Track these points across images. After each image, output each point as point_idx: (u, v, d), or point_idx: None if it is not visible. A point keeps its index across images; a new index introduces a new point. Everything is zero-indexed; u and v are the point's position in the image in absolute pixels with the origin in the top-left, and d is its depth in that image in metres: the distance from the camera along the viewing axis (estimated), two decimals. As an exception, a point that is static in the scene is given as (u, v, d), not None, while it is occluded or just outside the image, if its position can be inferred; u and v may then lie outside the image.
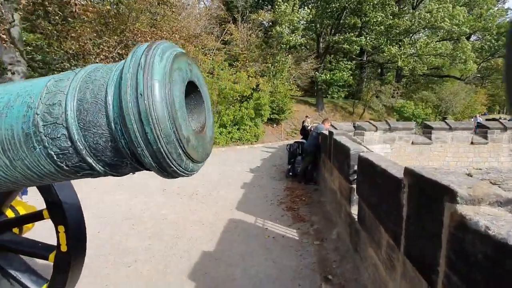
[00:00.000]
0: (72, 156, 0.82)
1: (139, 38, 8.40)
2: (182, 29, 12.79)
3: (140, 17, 12.23)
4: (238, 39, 17.53)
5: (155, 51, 0.78)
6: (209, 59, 15.66)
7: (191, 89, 1.00)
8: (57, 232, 1.97)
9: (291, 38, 18.07)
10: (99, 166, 0.84)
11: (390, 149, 11.12)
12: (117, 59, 8.27)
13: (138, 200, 6.16)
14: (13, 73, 8.91)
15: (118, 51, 8.19)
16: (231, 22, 18.20)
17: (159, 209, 5.64)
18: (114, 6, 11.50)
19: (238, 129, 14.90)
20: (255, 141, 15.47)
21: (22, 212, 2.35)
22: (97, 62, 8.30)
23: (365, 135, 12.54)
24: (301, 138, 9.96)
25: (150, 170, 0.84)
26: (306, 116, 12.18)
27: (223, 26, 18.40)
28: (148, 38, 8.83)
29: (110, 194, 6.48)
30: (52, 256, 2.01)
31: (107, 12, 9.48)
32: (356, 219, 3.51)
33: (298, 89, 20.15)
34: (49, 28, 7.19)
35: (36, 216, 2.15)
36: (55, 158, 0.82)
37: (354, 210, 3.75)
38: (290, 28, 18.38)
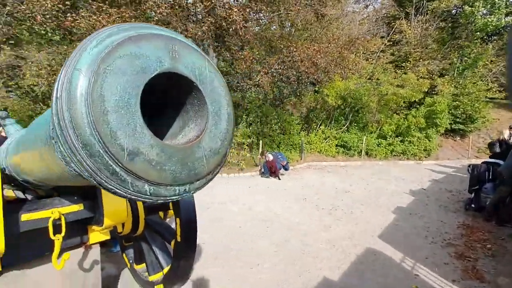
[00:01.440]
0: (68, 162, 0.81)
1: (296, 53, 8.95)
2: (341, 37, 12.49)
3: (302, 34, 13.11)
4: (411, 35, 15.00)
5: (96, 36, 0.62)
6: (371, 63, 14.36)
7: (189, 86, 0.78)
8: (176, 223, 2.27)
9: (490, 20, 13.33)
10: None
11: None
12: (274, 74, 9.26)
13: (276, 203, 6.45)
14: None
15: (276, 66, 9.12)
16: (402, 18, 15.89)
17: (294, 217, 5.63)
18: (287, 29, 12.95)
19: (401, 141, 12.64)
20: (425, 157, 12.54)
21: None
22: (258, 79, 9.67)
23: None
24: (496, 158, 6.98)
25: None
26: (511, 127, 8.45)
27: (392, 24, 16.37)
28: (301, 52, 9.22)
29: (251, 194, 7.20)
30: (173, 243, 2.34)
31: (273, 36, 10.77)
32: None
33: (501, 90, 14.53)
34: (228, 55, 9.14)
35: (165, 206, 2.62)
36: (63, 163, 0.85)
37: None
38: (487, 8, 13.61)
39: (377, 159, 12.20)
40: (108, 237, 2.40)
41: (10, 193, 2.77)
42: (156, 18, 7.67)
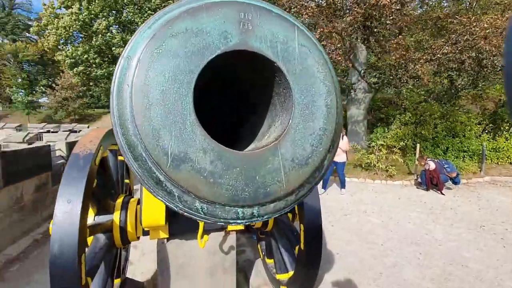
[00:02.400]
0: None
1: (477, 28, 6.59)
2: None
3: (490, 3, 9.76)
4: None
5: (154, 15, 0.52)
6: None
7: (269, 67, 0.55)
8: (300, 230, 2.15)
9: None
10: None
11: None
12: (442, 60, 7.23)
13: (436, 225, 5.08)
14: (354, 90, 11.12)
15: (444, 50, 7.08)
16: None
17: (463, 249, 4.24)
18: (466, 3, 10.15)
19: None
20: None
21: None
22: (417, 68, 7.91)
23: None
24: None
25: None
26: None
27: None
28: (485, 26, 6.70)
29: (401, 207, 6.00)
30: (297, 249, 2.24)
31: (442, 13, 8.60)
32: None
33: None
34: (376, 46, 8.02)
35: (292, 208, 2.53)
36: None
37: None
38: None
39: None
40: (242, 227, 2.59)
41: None
42: (302, 19, 7.81)
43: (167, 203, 0.55)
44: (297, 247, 2.23)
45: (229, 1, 0.55)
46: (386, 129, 9.91)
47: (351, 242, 4.42)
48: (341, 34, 7.47)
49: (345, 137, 6.78)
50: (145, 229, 2.09)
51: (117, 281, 2.51)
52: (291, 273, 2.45)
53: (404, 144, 9.12)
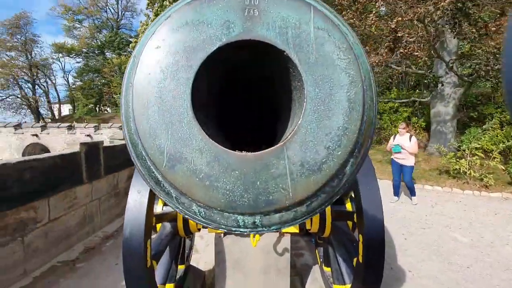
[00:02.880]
0: None
1: None
2: None
3: None
4: None
5: (164, 11, 0.51)
6: None
7: (280, 58, 0.49)
8: (358, 240, 1.99)
9: None
10: None
11: None
12: None
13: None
14: (442, 85, 9.60)
15: None
16: None
17: None
18: None
19: None
20: None
21: (350, 208, 2.57)
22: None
23: None
24: None
25: None
26: None
27: None
28: None
29: (498, 225, 4.93)
30: (355, 261, 2.08)
31: None
32: None
33: None
34: (473, 31, 6.66)
35: (348, 216, 2.31)
36: None
37: None
38: None
39: None
40: (297, 231, 2.53)
41: None
42: (375, 10, 7.10)
43: (169, 204, 0.56)
44: (355, 259, 2.06)
45: None
46: (481, 129, 8.29)
47: (427, 261, 3.86)
48: (424, 20, 6.49)
49: (413, 137, 5.88)
50: None
51: (181, 267, 2.76)
52: (348, 286, 2.28)
53: (505, 146, 7.46)
